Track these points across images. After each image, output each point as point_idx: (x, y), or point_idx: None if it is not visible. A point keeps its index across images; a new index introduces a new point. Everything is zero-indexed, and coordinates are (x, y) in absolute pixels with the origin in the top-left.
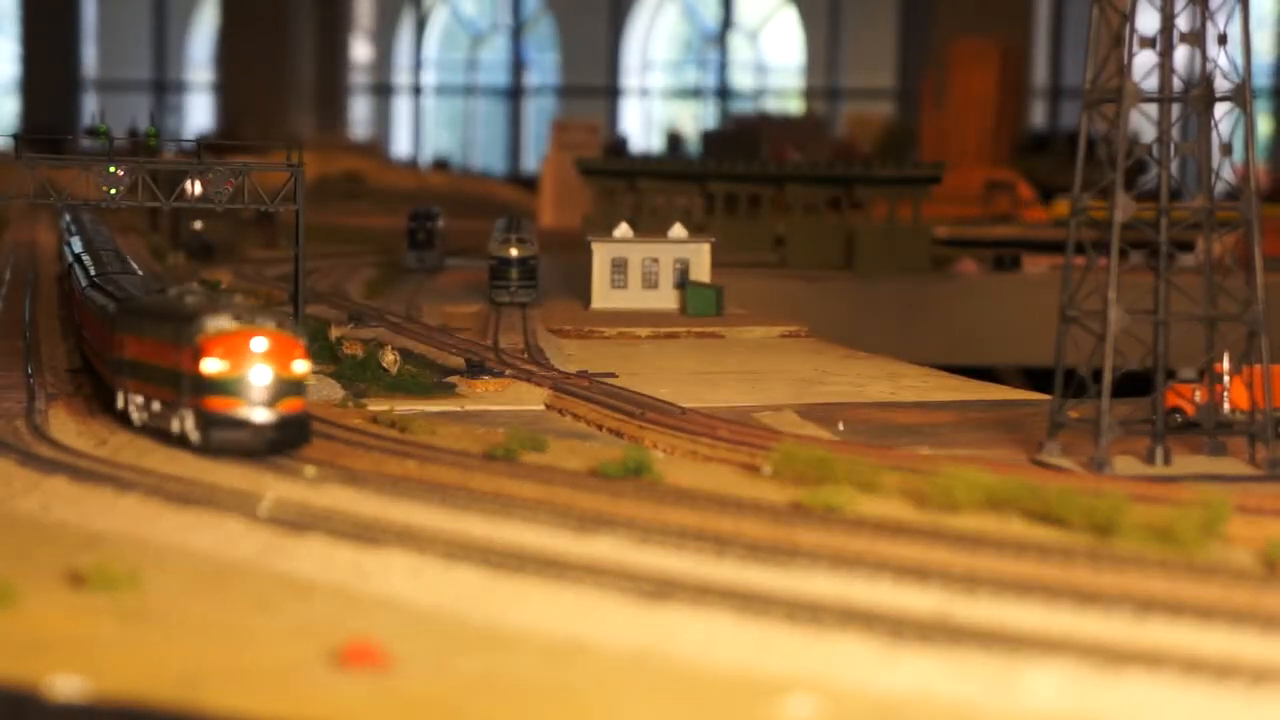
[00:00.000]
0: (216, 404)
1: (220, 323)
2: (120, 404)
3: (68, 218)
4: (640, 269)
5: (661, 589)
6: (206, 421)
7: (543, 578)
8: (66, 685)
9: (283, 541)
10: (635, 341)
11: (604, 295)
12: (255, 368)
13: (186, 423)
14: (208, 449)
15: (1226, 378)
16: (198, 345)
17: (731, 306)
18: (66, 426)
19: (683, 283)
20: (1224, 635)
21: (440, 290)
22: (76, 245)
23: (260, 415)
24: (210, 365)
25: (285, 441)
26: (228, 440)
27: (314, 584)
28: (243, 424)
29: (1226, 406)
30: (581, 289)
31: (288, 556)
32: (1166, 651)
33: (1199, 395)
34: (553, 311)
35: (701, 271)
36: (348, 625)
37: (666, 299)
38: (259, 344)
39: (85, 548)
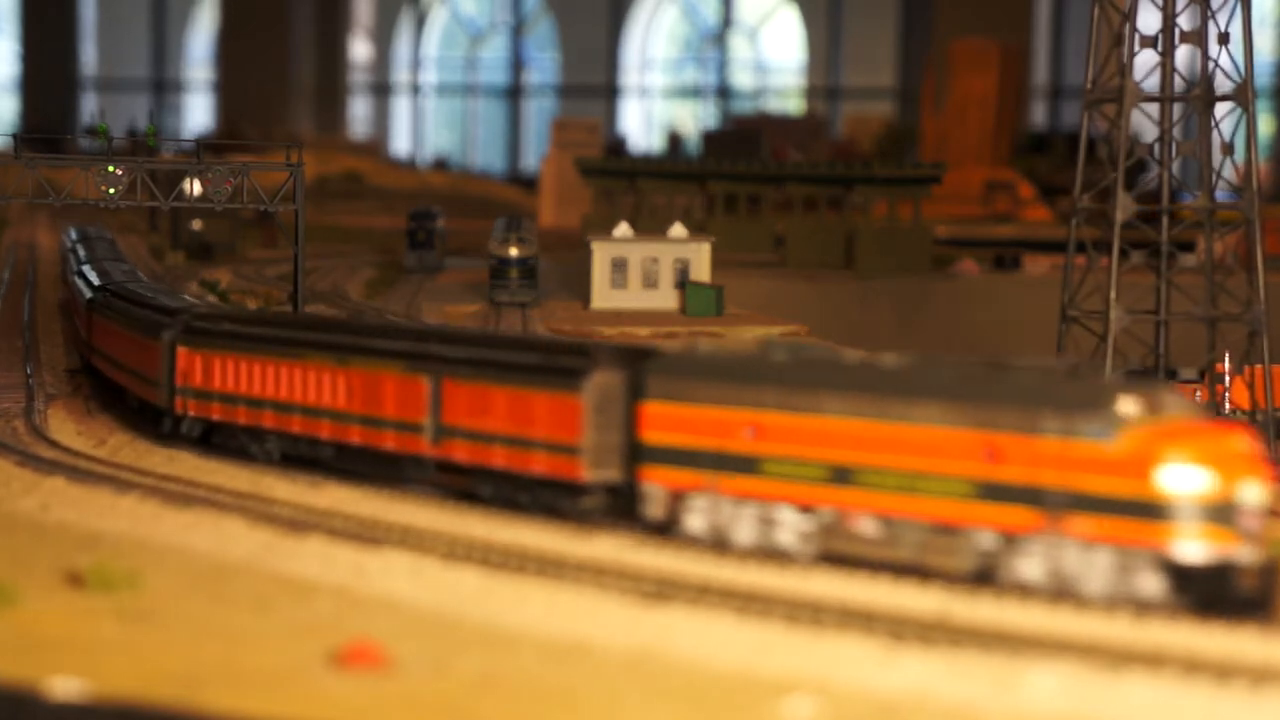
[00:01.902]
0: (1197, 541)
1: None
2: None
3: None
4: (640, 269)
5: (661, 589)
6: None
7: (543, 578)
8: (66, 685)
9: (283, 541)
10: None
11: (604, 295)
12: (1243, 482)
13: (1138, 578)
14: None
15: (1227, 378)
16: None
17: (731, 306)
18: (66, 426)
19: (683, 282)
20: (1224, 636)
21: (440, 290)
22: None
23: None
24: (1183, 479)
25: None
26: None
27: (314, 584)
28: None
29: (1228, 406)
30: (581, 289)
31: (288, 556)
32: (1166, 652)
33: (1200, 395)
34: (553, 311)
35: (701, 271)
36: (348, 625)
37: (666, 299)
38: (1235, 442)
39: (85, 548)
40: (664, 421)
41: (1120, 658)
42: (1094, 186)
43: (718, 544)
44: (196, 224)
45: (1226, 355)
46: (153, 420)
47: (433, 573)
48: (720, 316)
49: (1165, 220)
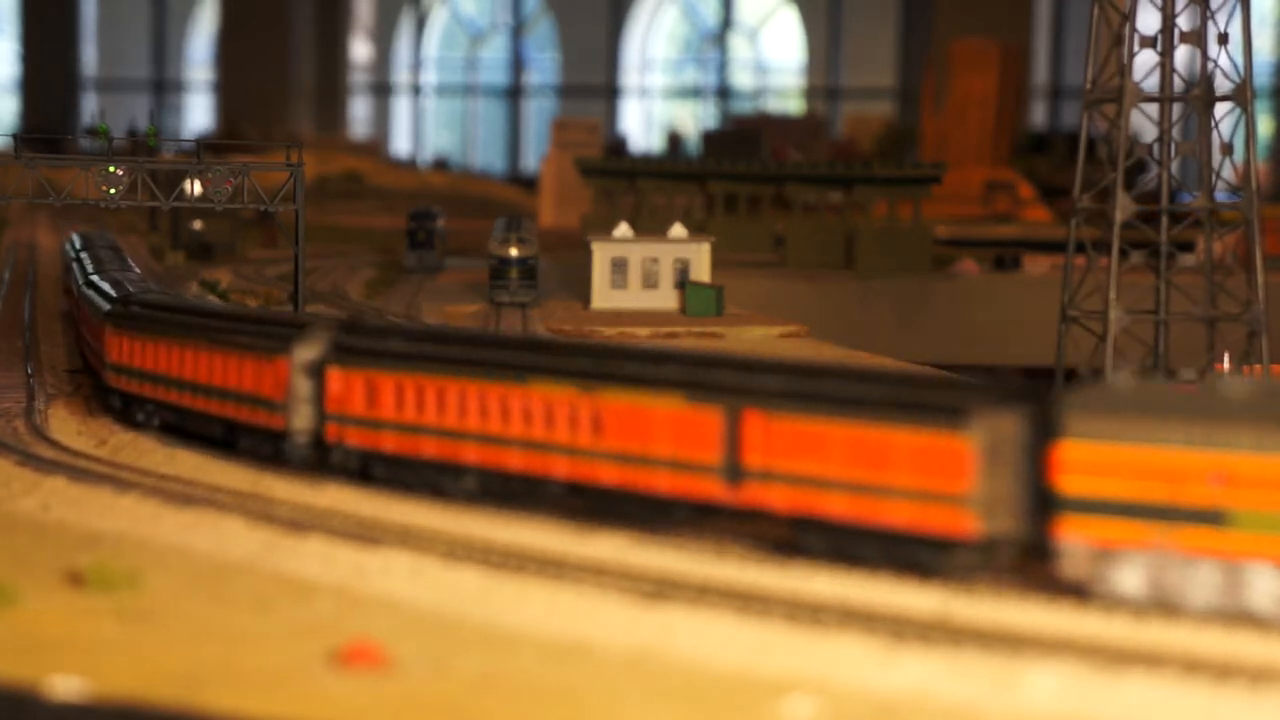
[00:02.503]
0: None
1: None
2: None
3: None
4: (640, 269)
5: (661, 589)
6: None
7: (543, 578)
8: (66, 685)
9: (283, 541)
10: (635, 341)
11: (604, 295)
12: None
13: None
14: None
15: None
16: None
17: (731, 306)
18: (66, 426)
19: (683, 282)
20: (1224, 635)
21: (440, 290)
22: None
23: None
24: None
25: None
26: None
27: (314, 584)
28: None
29: None
30: (581, 289)
31: (288, 556)
32: (1166, 652)
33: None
34: (553, 311)
35: (701, 271)
36: (348, 625)
37: (666, 299)
38: None
39: (85, 548)
40: (1088, 466)
41: (1119, 656)
42: (1094, 186)
43: (1159, 606)
44: (197, 224)
45: (1226, 355)
46: (258, 445)
47: (433, 573)
48: (720, 316)
49: (1165, 220)
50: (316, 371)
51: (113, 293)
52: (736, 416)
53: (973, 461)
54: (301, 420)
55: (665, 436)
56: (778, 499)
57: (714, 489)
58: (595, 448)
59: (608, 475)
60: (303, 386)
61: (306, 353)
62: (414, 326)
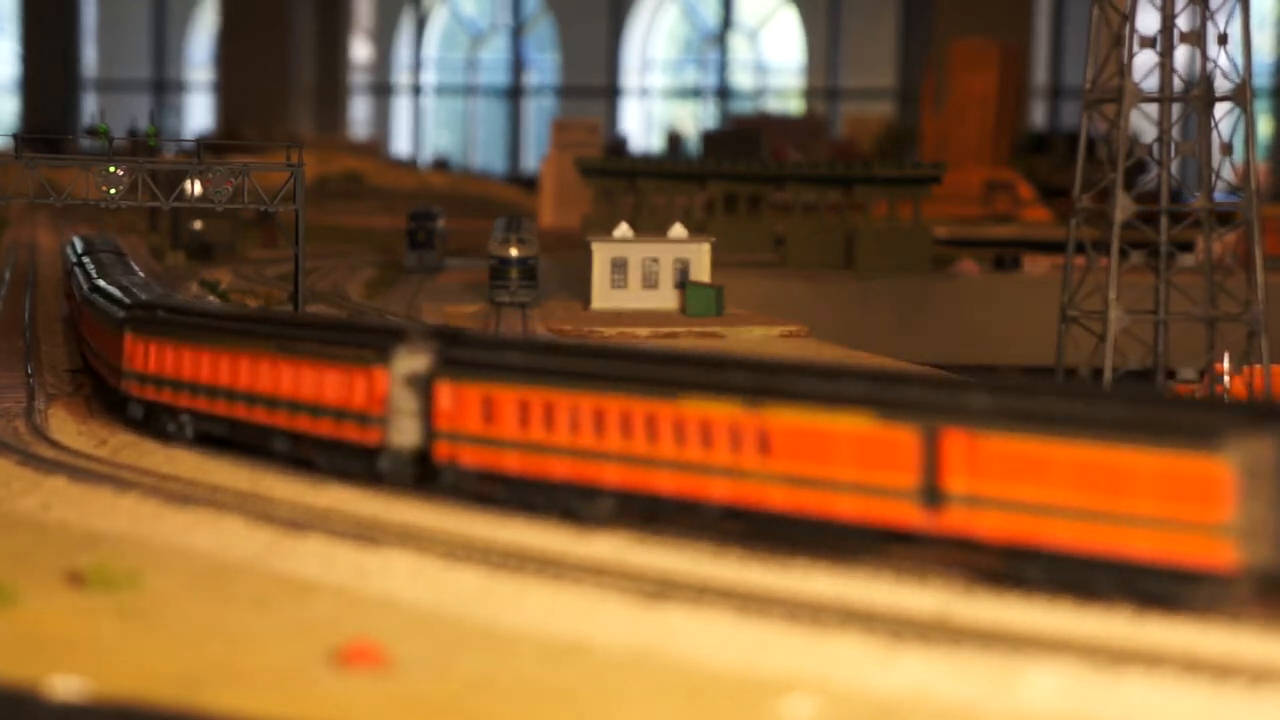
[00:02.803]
0: None
1: None
2: None
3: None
4: (640, 269)
5: (661, 589)
6: None
7: (543, 578)
8: (66, 685)
9: (283, 541)
10: (635, 341)
11: (604, 295)
12: None
13: None
14: None
15: (1226, 378)
16: None
17: (731, 306)
18: (66, 426)
19: (683, 282)
20: (1224, 635)
21: (440, 290)
22: None
23: None
24: None
25: None
26: None
27: (314, 584)
28: None
29: None
30: (581, 289)
31: (288, 556)
32: (1166, 652)
33: (1199, 395)
34: (553, 311)
35: (701, 271)
36: (348, 625)
37: (666, 299)
38: None
39: (85, 548)
40: None
41: (1120, 656)
42: (1094, 186)
43: None
44: (197, 224)
45: (1225, 355)
46: (343, 462)
47: (433, 573)
48: (720, 316)
49: (1164, 220)
50: (422, 385)
51: (124, 298)
52: (934, 436)
53: (1231, 487)
54: (402, 436)
55: (848, 458)
56: (986, 526)
57: (907, 514)
58: (762, 469)
59: (777, 499)
60: (404, 400)
61: (410, 364)
62: (520, 338)
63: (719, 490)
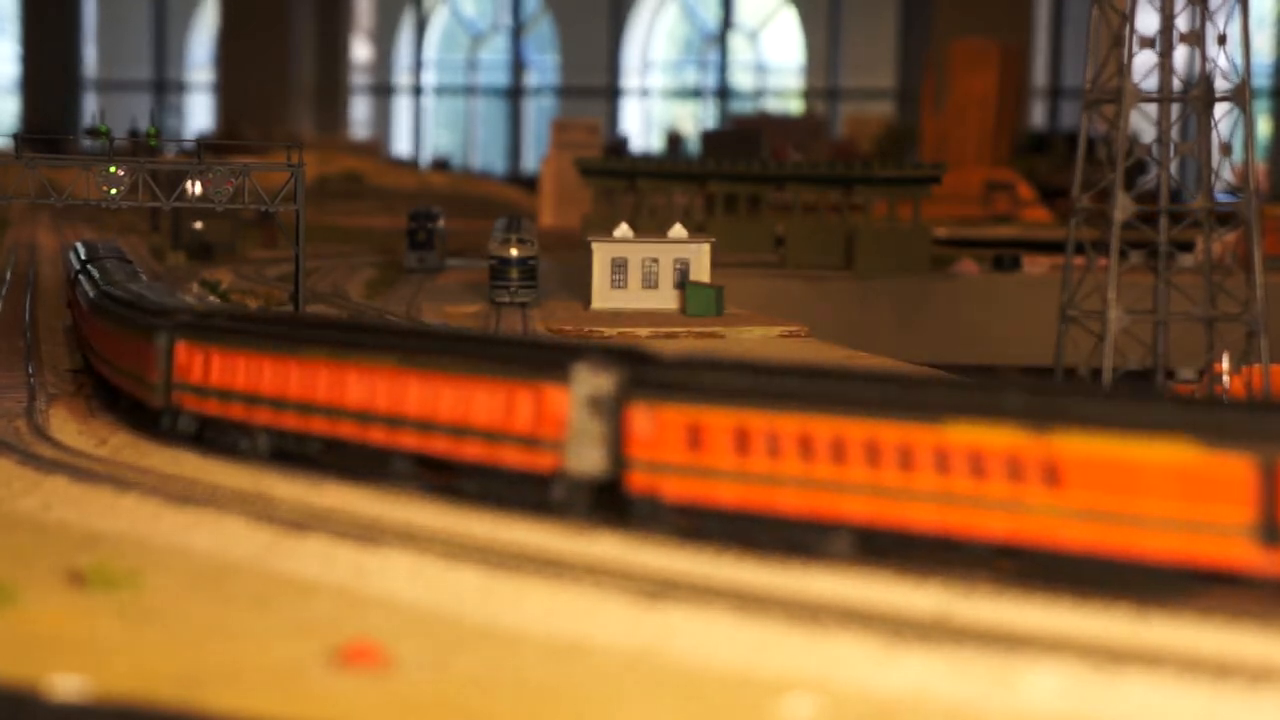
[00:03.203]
0: None
1: None
2: None
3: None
4: (640, 269)
5: (661, 589)
6: None
7: (543, 577)
8: (66, 685)
9: (283, 541)
10: (635, 341)
11: (604, 295)
12: None
13: None
14: None
15: (1226, 378)
16: None
17: (731, 306)
18: (66, 426)
19: (683, 283)
20: (1224, 635)
21: (440, 290)
22: None
23: None
24: None
25: None
26: None
27: (314, 584)
28: None
29: None
30: (581, 289)
31: (288, 556)
32: (1166, 652)
33: (1198, 395)
34: (553, 311)
35: (701, 271)
36: (348, 625)
37: (666, 299)
38: None
39: (85, 548)
40: None
41: (1120, 656)
42: (1093, 187)
43: None
44: (197, 224)
45: (1225, 355)
46: (502, 488)
47: (433, 573)
48: (720, 316)
49: (1164, 220)
50: (610, 407)
51: (159, 303)
52: (1275, 467)
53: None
54: (584, 463)
55: (1161, 491)
56: None
57: (1240, 554)
58: (1050, 504)
59: (1069, 536)
60: (587, 424)
61: (593, 384)
62: (720, 358)
63: (995, 526)
